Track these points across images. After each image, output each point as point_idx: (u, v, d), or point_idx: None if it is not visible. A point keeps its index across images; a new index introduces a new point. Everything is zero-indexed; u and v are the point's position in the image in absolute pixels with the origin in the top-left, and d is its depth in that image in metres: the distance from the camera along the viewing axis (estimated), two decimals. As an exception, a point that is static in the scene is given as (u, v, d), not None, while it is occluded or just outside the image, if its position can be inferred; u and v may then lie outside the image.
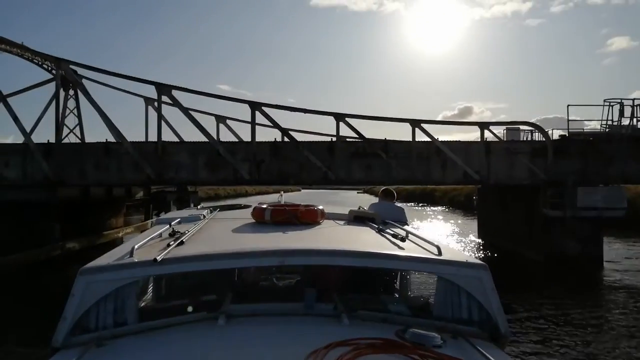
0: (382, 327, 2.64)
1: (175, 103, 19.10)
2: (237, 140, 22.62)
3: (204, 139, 18.68)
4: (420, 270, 3.31)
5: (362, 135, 18.64)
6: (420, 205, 57.92)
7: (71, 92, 26.77)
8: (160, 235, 3.56)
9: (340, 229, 4.07)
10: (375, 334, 2.42)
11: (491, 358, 2.32)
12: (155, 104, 22.78)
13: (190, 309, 2.90)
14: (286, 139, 19.08)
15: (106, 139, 19.87)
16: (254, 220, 4.10)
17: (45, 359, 2.48)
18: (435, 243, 3.19)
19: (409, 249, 3.15)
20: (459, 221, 36.78)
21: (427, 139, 18.65)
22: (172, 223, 3.89)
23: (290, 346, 2.38)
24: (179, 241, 3.19)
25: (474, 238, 26.30)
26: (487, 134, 18.83)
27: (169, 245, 3.05)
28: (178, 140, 21.24)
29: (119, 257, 2.92)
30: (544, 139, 18.85)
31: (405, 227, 4.09)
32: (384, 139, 19.03)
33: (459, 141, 19.53)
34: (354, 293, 3.30)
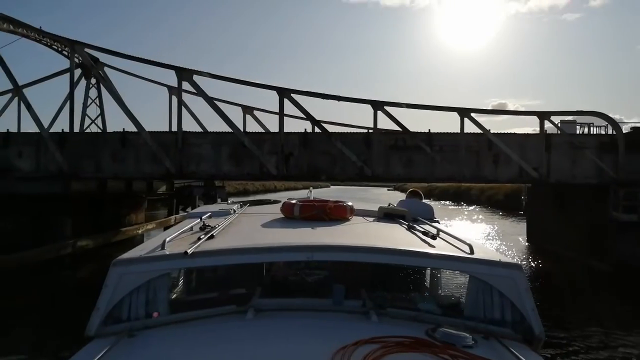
0: (412, 326, 2.61)
1: (197, 89, 17.44)
2: (263, 131, 20.89)
3: (228, 130, 16.98)
4: (451, 269, 3.20)
5: (403, 125, 16.56)
6: (454, 203, 55.17)
7: (93, 80, 25.62)
8: (191, 229, 3.61)
9: (369, 226, 4.01)
10: (405, 332, 2.38)
11: (524, 358, 2.25)
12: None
13: (220, 302, 2.93)
14: (317, 130, 17.21)
15: (123, 129, 18.39)
16: (282, 216, 4.13)
17: (80, 347, 2.48)
18: (467, 241, 3.14)
19: (440, 247, 3.13)
20: (501, 222, 34.27)
21: (477, 130, 16.44)
22: (203, 217, 3.92)
23: (318, 342, 2.36)
24: (209, 235, 3.24)
25: (521, 241, 23.96)
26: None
27: (199, 238, 3.10)
28: (200, 131, 19.57)
29: (150, 250, 2.99)
30: (610, 133, 16.39)
31: (436, 224, 4.04)
32: (427, 130, 16.92)
33: (514, 133, 17.20)
34: (383, 290, 3.23)
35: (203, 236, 3.17)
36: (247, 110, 23.42)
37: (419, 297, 3.48)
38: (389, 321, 2.67)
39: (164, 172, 17.66)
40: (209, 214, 4.24)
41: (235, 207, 4.98)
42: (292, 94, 16.80)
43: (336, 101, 17.46)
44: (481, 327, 2.65)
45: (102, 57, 20.27)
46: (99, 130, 26.31)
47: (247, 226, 3.97)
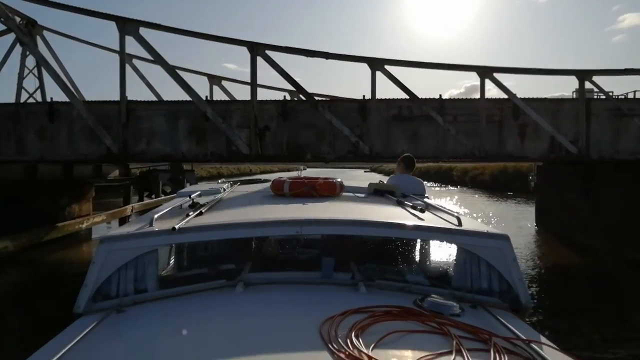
0: (400, 296, 2.64)
1: (145, 45, 13.56)
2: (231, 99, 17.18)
3: (187, 99, 13.23)
4: (439, 240, 3.10)
5: (408, 89, 13.12)
6: (438, 185, 52.25)
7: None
8: (180, 206, 3.63)
9: (358, 202, 4.03)
10: (393, 302, 2.40)
11: (511, 327, 2.26)
12: (133, 60, 17.79)
13: (209, 277, 2.93)
14: (301, 99, 13.61)
15: (51, 98, 14.44)
16: (272, 193, 4.13)
17: (68, 325, 2.44)
18: (455, 214, 3.20)
19: (428, 220, 3.16)
20: (495, 205, 31.24)
21: (498, 95, 13.13)
22: (192, 195, 3.97)
23: (306, 313, 2.38)
24: (198, 212, 3.25)
25: (530, 227, 21.06)
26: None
27: (188, 215, 3.11)
28: (151, 100, 15.60)
29: (138, 227, 2.99)
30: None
31: (425, 199, 4.16)
32: (438, 96, 13.53)
33: (546, 98, 13.88)
34: (372, 263, 3.18)
35: (192, 213, 3.18)
36: (214, 80, 19.61)
37: (407, 269, 3.40)
38: (378, 292, 2.70)
39: (103, 153, 13.80)
40: (199, 192, 4.26)
41: (225, 186, 5.05)
42: (267, 50, 13.09)
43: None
44: (469, 297, 2.70)
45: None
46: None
47: (236, 203, 4.00)
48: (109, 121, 13.57)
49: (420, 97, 13.20)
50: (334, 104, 14.26)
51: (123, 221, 19.10)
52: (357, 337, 1.98)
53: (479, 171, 47.94)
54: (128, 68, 14.68)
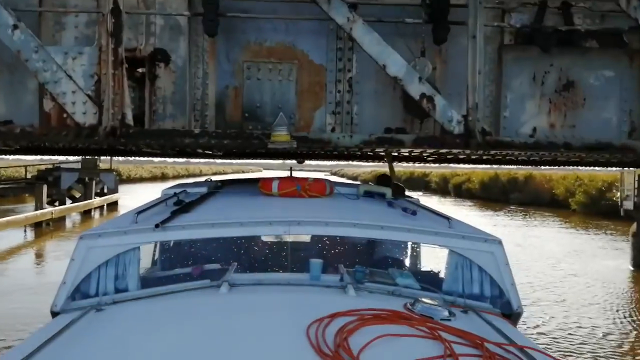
0: (390, 300, 2.62)
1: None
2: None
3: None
4: (430, 243, 3.08)
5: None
6: (421, 193, 44.03)
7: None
8: (165, 203, 3.58)
9: (348, 203, 3.94)
10: (382, 305, 2.36)
11: (503, 331, 2.28)
12: None
13: (193, 277, 2.92)
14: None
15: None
16: (260, 193, 4.05)
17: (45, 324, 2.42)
18: (447, 217, 3.20)
19: (420, 222, 3.13)
20: (510, 222, 22.50)
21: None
22: (177, 191, 3.93)
23: (293, 315, 2.31)
24: (183, 209, 3.18)
25: (624, 269, 12.65)
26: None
27: (172, 213, 3.04)
28: None
29: (121, 224, 2.96)
30: None
31: (416, 201, 4.17)
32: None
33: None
34: (362, 266, 3.06)
35: (176, 210, 3.11)
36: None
37: (398, 273, 3.19)
38: (367, 295, 2.67)
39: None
40: (184, 190, 4.14)
41: (212, 184, 4.85)
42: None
43: None
44: (460, 301, 2.68)
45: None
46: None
47: (222, 202, 3.93)
48: None
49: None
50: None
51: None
52: (345, 340, 1.98)
53: (463, 178, 45.00)
54: None
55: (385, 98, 4.20)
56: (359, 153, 4.80)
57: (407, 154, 4.36)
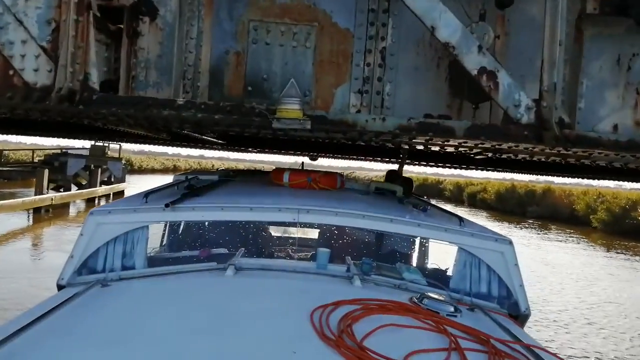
0: (395, 293, 2.59)
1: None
2: None
3: None
4: (440, 239, 3.03)
5: None
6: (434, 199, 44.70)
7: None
8: (176, 187, 3.60)
9: (359, 197, 3.91)
10: (388, 298, 2.34)
11: (510, 330, 2.23)
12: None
13: (199, 259, 2.91)
14: None
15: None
16: (271, 182, 4.11)
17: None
18: (457, 216, 3.18)
19: (430, 219, 3.09)
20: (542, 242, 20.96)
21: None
22: (189, 176, 3.94)
23: (297, 299, 2.33)
24: (193, 192, 3.21)
25: None
26: None
27: (183, 195, 3.06)
28: None
29: (131, 202, 2.98)
30: None
31: (427, 201, 4.25)
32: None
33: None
34: (369, 258, 3.01)
35: (187, 193, 3.12)
36: None
37: (405, 267, 3.22)
38: (373, 287, 2.63)
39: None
40: (195, 176, 4.12)
41: (224, 173, 4.91)
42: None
43: None
44: (466, 299, 2.67)
45: None
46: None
47: (233, 188, 3.94)
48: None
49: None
50: None
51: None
52: (349, 326, 1.96)
53: (479, 187, 44.55)
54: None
55: (427, 77, 3.26)
56: (390, 145, 3.86)
57: (452, 149, 3.39)
